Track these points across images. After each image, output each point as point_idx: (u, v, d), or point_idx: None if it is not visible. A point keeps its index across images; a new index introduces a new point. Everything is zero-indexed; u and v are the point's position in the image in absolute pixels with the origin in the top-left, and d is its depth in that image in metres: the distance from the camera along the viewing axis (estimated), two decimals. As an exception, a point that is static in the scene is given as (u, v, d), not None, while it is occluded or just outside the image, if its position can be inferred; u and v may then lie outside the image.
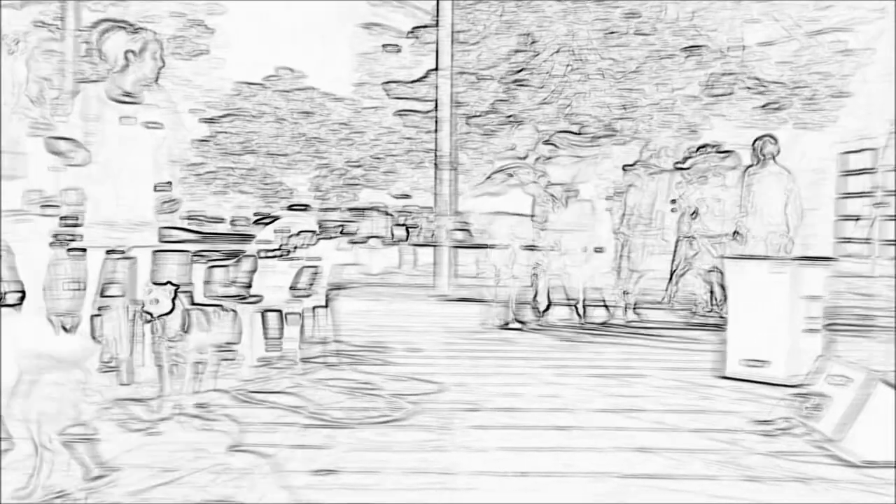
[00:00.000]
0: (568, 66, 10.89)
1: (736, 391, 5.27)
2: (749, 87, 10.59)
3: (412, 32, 11.37)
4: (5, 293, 4.47)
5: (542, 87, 10.98)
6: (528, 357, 6.61)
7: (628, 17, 10.68)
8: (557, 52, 10.92)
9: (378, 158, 11.93)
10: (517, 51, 11.08)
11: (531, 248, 8.44)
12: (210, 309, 4.35)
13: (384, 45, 11.45)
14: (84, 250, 4.74)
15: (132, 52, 4.78)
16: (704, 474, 3.58)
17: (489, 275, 8.31)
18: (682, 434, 4.23)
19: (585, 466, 3.66)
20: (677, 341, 7.42)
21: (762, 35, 10.51)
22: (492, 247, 8.23)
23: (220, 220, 6.36)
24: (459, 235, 10.99)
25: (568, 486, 3.40)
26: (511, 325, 8.23)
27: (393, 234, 11.69)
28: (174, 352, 4.13)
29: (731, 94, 10.63)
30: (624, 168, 8.82)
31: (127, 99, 4.83)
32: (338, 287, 6.22)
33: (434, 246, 11.09)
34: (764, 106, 10.59)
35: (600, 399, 5.04)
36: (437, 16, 11.10)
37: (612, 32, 10.74)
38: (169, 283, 4.40)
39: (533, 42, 10.97)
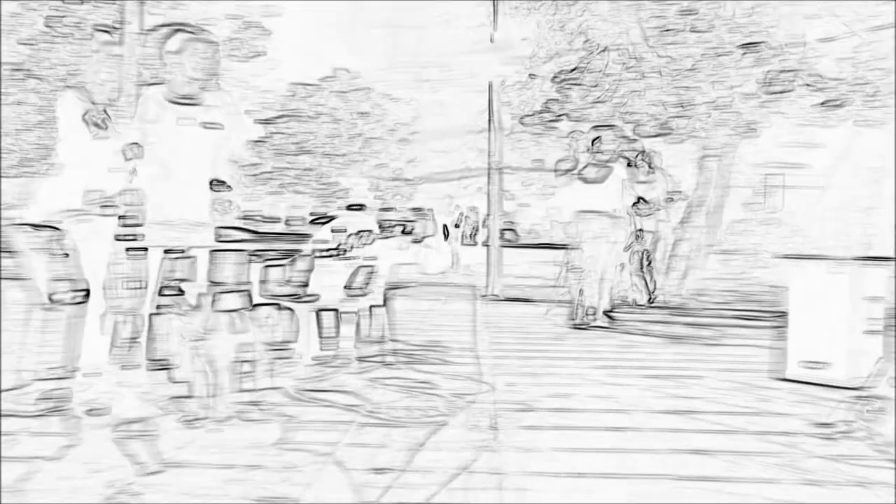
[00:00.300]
0: (623, 64, 10.81)
1: (795, 393, 5.20)
2: (808, 84, 10.41)
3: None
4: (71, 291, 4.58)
5: (595, 86, 10.92)
6: (581, 357, 6.58)
7: (684, 14, 10.57)
8: (612, 50, 10.86)
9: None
10: (570, 49, 11.02)
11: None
12: (244, 310, 4.37)
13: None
14: (145, 250, 4.84)
15: (171, 52, 4.87)
16: (762, 477, 3.53)
17: (574, 274, 8.33)
18: (740, 436, 4.18)
19: (640, 468, 3.64)
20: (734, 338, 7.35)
21: (822, 31, 10.32)
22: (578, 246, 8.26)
23: (276, 220, 6.44)
24: (507, 235, 11.00)
25: (622, 488, 3.38)
26: (595, 323, 8.23)
27: (447, 234, 11.74)
28: (200, 352, 4.18)
29: (790, 91, 10.46)
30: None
31: (186, 101, 4.91)
32: (395, 287, 6.26)
33: (485, 246, 11.10)
34: (824, 103, 10.41)
35: (655, 400, 5.00)
36: (495, 14, 11.12)
37: (667, 30, 10.64)
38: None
39: (586, 40, 10.91)
